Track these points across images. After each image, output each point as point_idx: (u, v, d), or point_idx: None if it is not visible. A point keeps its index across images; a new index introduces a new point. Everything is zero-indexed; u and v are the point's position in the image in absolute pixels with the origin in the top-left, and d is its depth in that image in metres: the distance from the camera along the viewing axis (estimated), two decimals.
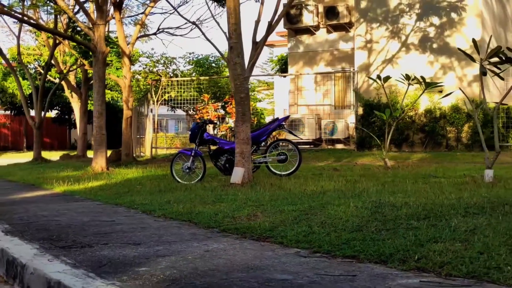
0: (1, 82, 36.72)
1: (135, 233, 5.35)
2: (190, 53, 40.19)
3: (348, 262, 3.95)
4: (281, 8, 13.12)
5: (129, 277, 3.64)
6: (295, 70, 22.82)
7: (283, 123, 11.43)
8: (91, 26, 15.67)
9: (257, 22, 13.45)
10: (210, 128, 22.78)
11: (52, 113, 43.38)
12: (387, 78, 12.31)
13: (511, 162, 13.88)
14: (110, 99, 36.92)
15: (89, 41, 15.48)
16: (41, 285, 3.83)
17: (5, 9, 14.62)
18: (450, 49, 18.18)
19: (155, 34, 23.78)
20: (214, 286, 3.36)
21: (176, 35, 22.06)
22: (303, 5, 21.68)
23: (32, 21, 18.43)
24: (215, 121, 19.39)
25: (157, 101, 23.83)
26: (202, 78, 28.28)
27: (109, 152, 20.82)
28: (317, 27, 22.14)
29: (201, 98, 24.03)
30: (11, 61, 36.25)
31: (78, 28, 20.27)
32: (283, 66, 34.02)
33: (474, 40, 9.16)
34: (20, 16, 17.01)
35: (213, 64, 39.42)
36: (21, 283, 4.19)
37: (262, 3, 14.06)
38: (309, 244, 4.49)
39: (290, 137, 14.22)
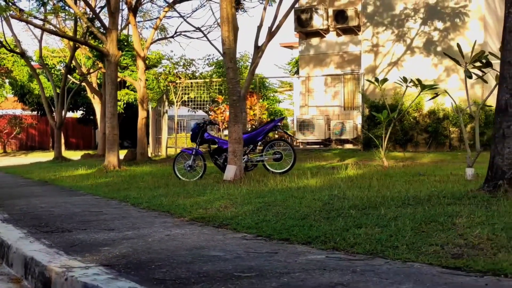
0: (27, 83, 37.76)
1: (114, 221, 6.06)
2: (209, 55, 41.01)
3: (280, 243, 4.63)
4: (281, 16, 13.76)
5: (91, 254, 4.34)
6: (306, 72, 23.47)
7: (279, 123, 12.07)
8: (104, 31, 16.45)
9: (259, 28, 14.19)
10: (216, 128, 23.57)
11: (78, 114, 44.36)
12: (384, 80, 12.87)
13: None
14: (133, 99, 37.81)
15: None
16: (20, 261, 4.56)
17: (23, 16, 15.43)
18: (454, 52, 18.52)
19: (172, 37, 24.61)
20: (155, 260, 4.05)
21: (193, 38, 22.85)
22: (314, 9, 22.32)
23: (50, 26, 19.30)
24: (216, 122, 20.07)
25: (177, 102, 24.57)
26: (220, 79, 28.98)
27: (125, 151, 21.70)
28: (327, 30, 22.76)
29: (215, 99, 24.74)
30: (37, 63, 37.51)
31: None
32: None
33: (458, 45, 9.68)
34: (39, 22, 17.85)
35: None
36: (7, 261, 4.92)
37: (264, 9, 14.79)
38: (256, 230, 5.17)
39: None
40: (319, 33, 22.92)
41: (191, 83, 25.75)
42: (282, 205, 6.26)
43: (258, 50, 14.49)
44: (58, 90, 24.09)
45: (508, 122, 6.09)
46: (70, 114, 43.13)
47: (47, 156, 29.66)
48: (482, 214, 4.88)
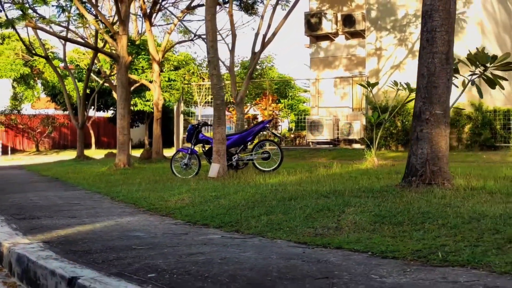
0: (58, 84, 39.27)
1: (82, 211, 7.13)
2: (238, 56, 42.13)
3: (198, 227, 5.64)
4: (275, 23, 14.74)
5: (42, 234, 5.39)
6: (316, 74, 24.39)
7: (267, 125, 13.05)
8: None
9: (257, 35, 15.25)
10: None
11: (109, 113, 45.80)
12: (375, 84, 13.76)
13: (506, 162, 14.98)
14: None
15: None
16: None
17: (39, 23, 16.66)
18: (458, 57, 19.43)
19: (191, 40, 25.72)
20: (86, 239, 5.08)
21: (220, 40, 23.86)
22: (323, 13, 23.24)
23: (65, 33, 20.53)
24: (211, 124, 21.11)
25: (201, 102, 25.67)
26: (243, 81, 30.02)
27: (140, 151, 22.87)
28: (335, 34, 23.65)
29: (230, 100, 25.79)
30: (68, 64, 39.07)
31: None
32: None
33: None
34: (58, 29, 19.10)
35: (258, 67, 41.22)
36: None
37: (262, 18, 15.84)
38: (190, 217, 6.19)
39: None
40: (328, 37, 23.83)
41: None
42: (227, 198, 7.24)
43: (254, 56, 15.54)
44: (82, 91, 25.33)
45: (421, 127, 7.01)
46: (101, 114, 44.72)
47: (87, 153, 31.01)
48: (373, 204, 5.81)
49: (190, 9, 22.20)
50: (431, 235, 4.41)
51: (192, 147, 12.89)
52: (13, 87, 41.46)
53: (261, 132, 13.56)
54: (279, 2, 19.61)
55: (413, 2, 20.46)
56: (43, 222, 6.21)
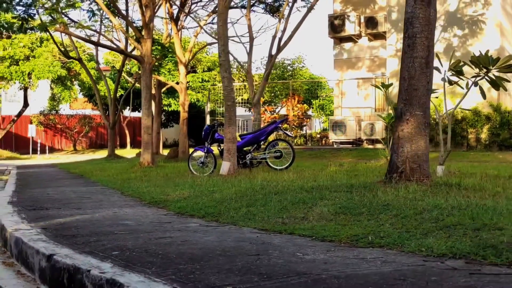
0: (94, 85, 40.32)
1: (89, 204, 7.78)
2: (262, 58, 42.77)
3: (184, 217, 6.24)
4: (285, 28, 15.27)
5: (44, 222, 6.03)
6: (340, 75, 24.86)
7: (280, 125, 13.63)
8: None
9: (274, 37, 15.81)
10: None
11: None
12: (389, 85, 14.24)
13: None
14: (195, 100, 39.96)
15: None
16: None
17: (66, 28, 17.47)
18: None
19: (240, 41, 26.40)
20: (80, 226, 5.71)
21: (239, 43, 24.47)
22: (346, 15, 23.70)
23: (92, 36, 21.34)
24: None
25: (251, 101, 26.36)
26: (275, 82, 30.64)
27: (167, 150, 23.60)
28: (359, 36, 24.10)
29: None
30: (105, 65, 40.12)
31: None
32: None
33: (437, 55, 10.89)
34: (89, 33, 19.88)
35: (289, 67, 41.83)
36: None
37: (279, 21, 16.40)
38: (180, 209, 6.79)
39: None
40: (351, 38, 24.28)
41: (245, 85, 27.50)
42: (221, 192, 7.84)
43: (271, 59, 16.11)
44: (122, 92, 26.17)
45: (402, 127, 7.52)
46: (137, 114, 45.71)
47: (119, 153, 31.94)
48: (345, 198, 6.34)
49: (216, 12, 22.83)
50: (377, 223, 4.93)
51: (208, 146, 13.50)
52: (51, 88, 42.66)
53: (275, 132, 14.08)
54: (303, 5, 20.16)
55: None
56: (50, 212, 6.86)
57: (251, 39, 17.46)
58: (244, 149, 13.48)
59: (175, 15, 21.72)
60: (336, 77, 25.33)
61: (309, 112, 41.31)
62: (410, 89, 7.50)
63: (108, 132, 26.22)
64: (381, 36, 23.66)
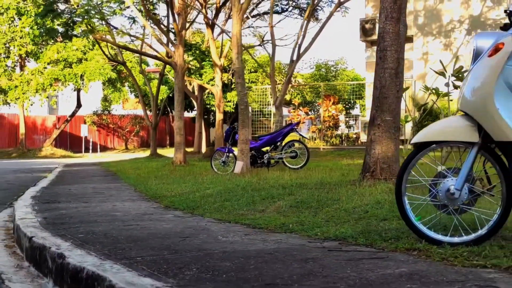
0: (143, 86, 41.76)
1: (97, 198, 8.83)
2: (310, 58, 43.52)
3: (170, 210, 7.20)
4: (304, 35, 16.11)
5: (48, 213, 7.08)
6: (372, 77, 25.55)
7: (295, 127, 14.55)
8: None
9: (296, 44, 16.65)
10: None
11: (193, 114, 48.04)
12: (406, 88, 14.96)
13: None
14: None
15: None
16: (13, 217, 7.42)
17: (102, 35, 18.69)
18: None
19: (260, 45, 27.35)
20: (76, 216, 6.73)
21: (279, 45, 25.38)
22: (376, 19, 24.39)
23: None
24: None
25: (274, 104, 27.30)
26: (317, 83, 31.49)
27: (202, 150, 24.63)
28: None
29: (292, 102, 27.29)
30: (155, 67, 41.52)
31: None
32: None
33: (441, 61, 11.58)
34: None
35: (332, 68, 42.53)
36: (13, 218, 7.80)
37: (301, 28, 17.26)
38: (170, 203, 7.75)
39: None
40: None
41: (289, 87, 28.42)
42: (213, 189, 8.79)
43: (292, 63, 17.00)
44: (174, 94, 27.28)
45: (374, 131, 8.34)
46: (187, 114, 47.01)
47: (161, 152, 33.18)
48: (309, 194, 7.22)
49: (253, 17, 23.82)
50: (313, 214, 5.81)
51: (229, 147, 14.47)
52: (103, 89, 44.39)
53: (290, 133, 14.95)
54: (339, 9, 20.97)
55: (457, 9, 21.37)
56: (59, 205, 7.91)
57: (274, 45, 18.38)
58: (262, 149, 14.42)
59: (210, 22, 22.71)
60: (368, 79, 25.99)
61: (357, 112, 41.94)
62: (381, 97, 8.31)
63: (151, 132, 27.39)
64: (409, 39, 24.24)
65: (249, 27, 29.31)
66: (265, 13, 23.44)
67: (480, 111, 3.80)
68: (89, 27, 17.42)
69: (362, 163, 8.59)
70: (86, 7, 17.40)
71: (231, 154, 14.43)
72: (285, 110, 36.23)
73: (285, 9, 24.25)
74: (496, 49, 3.79)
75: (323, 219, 5.47)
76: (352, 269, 3.38)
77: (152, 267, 3.57)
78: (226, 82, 30.52)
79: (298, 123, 15.54)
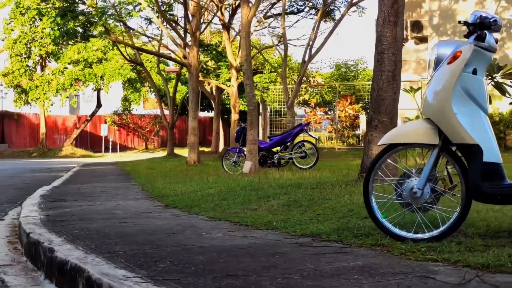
0: (163, 87, 42.24)
1: (102, 196, 9.13)
2: (330, 58, 43.66)
3: (167, 208, 7.48)
4: (316, 36, 16.30)
5: (52, 211, 7.39)
6: None
7: (305, 128, 14.80)
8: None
9: (307, 45, 16.89)
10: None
11: (212, 113, 48.45)
12: (418, 89, 15.16)
13: None
14: (262, 100, 41.30)
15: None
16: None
17: (115, 36, 19.06)
18: (509, 60, 20.34)
19: (272, 46, 27.62)
20: (78, 213, 7.03)
21: (296, 45, 25.53)
22: None
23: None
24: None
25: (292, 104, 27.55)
26: (336, 83, 31.66)
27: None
28: (405, 39, 24.86)
29: (308, 102, 27.51)
30: (174, 67, 41.92)
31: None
32: None
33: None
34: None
35: (352, 68, 42.64)
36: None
37: (313, 29, 17.47)
38: (170, 202, 8.01)
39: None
40: None
41: (306, 86, 28.67)
42: (214, 188, 9.06)
43: (304, 64, 17.23)
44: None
45: (371, 132, 8.57)
46: (207, 114, 47.49)
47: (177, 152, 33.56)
48: (304, 194, 7.47)
49: (267, 18, 24.08)
50: (301, 213, 6.06)
51: (240, 147, 14.74)
52: (123, 89, 44.89)
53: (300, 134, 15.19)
54: (355, 9, 21.18)
55: (472, 9, 21.44)
56: (64, 203, 8.22)
57: (286, 46, 18.63)
58: (273, 149, 14.67)
59: (226, 23, 23.01)
60: None
61: None
62: (379, 99, 8.52)
63: (168, 132, 27.75)
64: (425, 39, 24.37)
65: (265, 27, 29.61)
66: (280, 14, 23.65)
67: (439, 115, 4.03)
68: (104, 28, 17.74)
69: (361, 163, 8.79)
70: (102, 9, 17.76)
71: (242, 154, 14.66)
72: (302, 111, 36.47)
73: (301, 9, 24.44)
74: (454, 57, 4.03)
75: (308, 217, 5.69)
76: (312, 262, 3.62)
77: (130, 260, 3.84)
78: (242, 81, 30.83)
79: (308, 124, 15.81)
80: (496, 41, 4.32)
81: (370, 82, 28.03)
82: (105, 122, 45.19)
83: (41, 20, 36.78)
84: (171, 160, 22.87)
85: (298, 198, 7.09)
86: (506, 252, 3.60)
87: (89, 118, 43.42)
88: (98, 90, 42.60)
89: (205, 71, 25.90)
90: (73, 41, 24.76)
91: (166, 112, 47.45)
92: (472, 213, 4.65)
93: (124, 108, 48.24)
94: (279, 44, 26.18)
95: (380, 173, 4.36)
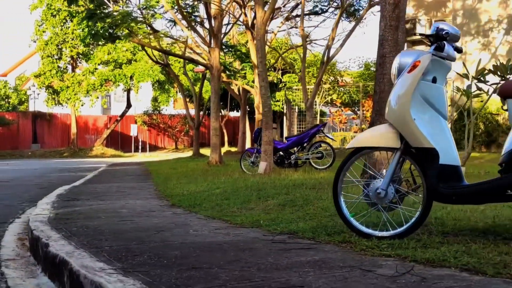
0: (190, 88, 42.75)
1: (115, 196, 9.51)
2: (359, 57, 43.77)
3: (171, 207, 7.82)
4: (334, 38, 16.49)
5: (62, 210, 7.78)
6: None
7: (322, 128, 15.06)
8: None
9: (327, 46, 17.13)
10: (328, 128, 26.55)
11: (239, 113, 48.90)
12: None
13: None
14: (292, 100, 41.56)
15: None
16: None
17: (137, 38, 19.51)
18: None
19: (292, 48, 27.89)
20: (85, 212, 7.42)
21: (321, 45, 25.70)
22: (417, 19, 24.68)
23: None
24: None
25: (320, 103, 27.85)
26: (364, 82, 31.77)
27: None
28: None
29: (334, 102, 27.71)
30: (203, 68, 42.30)
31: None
32: None
33: (463, 63, 11.96)
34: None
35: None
36: None
37: (332, 30, 17.70)
38: (177, 201, 8.33)
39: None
40: (422, 41, 25.19)
41: (334, 86, 28.91)
42: (221, 188, 9.39)
43: (323, 66, 17.49)
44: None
45: None
46: (236, 114, 47.87)
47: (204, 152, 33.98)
48: (301, 194, 7.76)
49: (289, 19, 24.38)
50: (293, 212, 6.35)
51: (258, 148, 15.05)
52: (153, 89, 45.48)
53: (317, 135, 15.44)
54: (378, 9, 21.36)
55: (496, 8, 21.52)
56: (77, 202, 8.61)
57: (305, 48, 18.91)
58: (290, 150, 14.96)
59: (249, 24, 23.33)
60: None
61: None
62: (380, 101, 8.76)
63: (194, 133, 28.17)
64: None
65: (292, 27, 29.94)
66: (305, 14, 23.90)
67: (399, 121, 4.32)
68: (127, 30, 18.18)
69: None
70: (125, 13, 18.21)
71: (259, 155, 14.95)
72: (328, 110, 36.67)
73: (325, 9, 24.66)
74: (414, 66, 4.30)
75: (297, 216, 5.98)
76: (274, 257, 3.92)
77: (112, 255, 4.18)
78: (275, 81, 31.14)
79: (324, 125, 16.03)
80: (461, 49, 4.58)
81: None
82: (135, 122, 45.83)
83: (71, 21, 37.46)
84: (196, 160, 23.26)
85: (295, 198, 7.37)
86: (455, 248, 3.86)
87: (119, 118, 44.09)
88: (128, 91, 43.26)
89: (230, 72, 26.23)
90: (102, 42, 25.33)
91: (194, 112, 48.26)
92: (443, 211, 4.93)
93: (154, 109, 48.87)
94: (308, 43, 26.46)
95: (348, 174, 4.62)
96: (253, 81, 31.57)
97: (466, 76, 12.10)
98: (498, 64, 11.90)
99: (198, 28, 20.88)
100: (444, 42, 4.34)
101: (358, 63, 42.78)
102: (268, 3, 15.86)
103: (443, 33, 4.32)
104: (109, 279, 3.41)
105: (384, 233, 4.41)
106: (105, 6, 19.80)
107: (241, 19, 24.89)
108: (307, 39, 27.67)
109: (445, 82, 4.48)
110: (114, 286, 3.24)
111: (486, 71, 11.81)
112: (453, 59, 4.42)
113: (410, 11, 25.86)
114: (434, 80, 4.38)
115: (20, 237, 6.68)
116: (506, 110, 4.27)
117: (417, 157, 4.39)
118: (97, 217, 6.69)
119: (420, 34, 4.77)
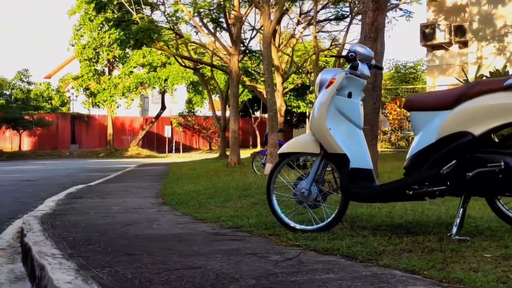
0: (224, 89, 43.54)
1: (119, 194, 10.26)
2: (390, 60, 44.02)
3: (160, 206, 8.53)
4: (344, 44, 17.04)
5: (62, 207, 8.56)
6: (432, 81, 26.18)
7: None
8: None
9: (338, 53, 17.67)
10: None
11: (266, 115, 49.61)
12: None
13: None
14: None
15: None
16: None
17: (160, 44, 20.32)
18: None
19: (313, 54, 28.45)
20: (80, 208, 8.18)
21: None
22: (436, 24, 25.04)
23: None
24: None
25: None
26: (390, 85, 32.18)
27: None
28: (449, 43, 25.32)
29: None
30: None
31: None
32: None
33: (463, 69, 12.53)
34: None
35: (412, 70, 42.98)
36: None
37: (345, 36, 18.19)
38: (170, 200, 9.06)
39: None
40: (441, 46, 25.57)
41: None
42: (215, 188, 10.08)
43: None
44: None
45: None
46: (266, 115, 48.60)
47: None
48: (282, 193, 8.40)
49: (309, 24, 24.95)
50: (259, 210, 7.00)
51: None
52: (187, 91, 46.46)
53: None
54: (403, 14, 21.89)
55: (511, 14, 21.82)
56: (79, 200, 9.30)
57: (317, 54, 19.51)
58: None
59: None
60: (429, 83, 26.62)
61: None
62: None
63: (220, 134, 28.91)
64: (465, 44, 24.74)
65: (319, 31, 30.44)
66: (324, 20, 24.48)
67: (317, 130, 4.97)
68: (148, 39, 19.00)
69: None
70: (148, 24, 19.03)
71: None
72: None
73: (346, 15, 25.17)
74: (330, 83, 4.95)
75: (257, 213, 6.61)
76: (200, 246, 4.59)
77: (70, 243, 4.89)
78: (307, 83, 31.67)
79: None
80: (381, 67, 5.22)
81: (422, 86, 28.21)
82: (171, 124, 46.84)
83: (108, 25, 38.51)
84: (220, 162, 23.98)
85: None
86: (355, 240, 4.49)
87: (154, 119, 45.15)
88: (163, 93, 44.32)
89: (251, 76, 26.93)
90: (129, 48, 26.23)
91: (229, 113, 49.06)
92: (372, 209, 5.56)
93: (188, 110, 49.87)
94: (333, 47, 27.01)
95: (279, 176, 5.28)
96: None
97: (466, 82, 12.62)
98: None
99: (218, 34, 21.53)
100: (358, 62, 4.96)
101: (388, 66, 43.11)
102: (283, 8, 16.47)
103: (349, 55, 4.94)
104: (51, 261, 4.12)
105: (308, 227, 5.05)
106: (130, 15, 20.66)
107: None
108: (333, 43, 28.29)
109: (360, 97, 5.10)
110: (52, 267, 3.93)
111: (484, 77, 12.34)
112: (366, 77, 5.06)
113: (430, 16, 26.25)
114: (349, 95, 5.01)
115: (19, 231, 7.43)
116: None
117: (335, 161, 5.02)
118: (86, 213, 7.40)
119: (338, 56, 5.39)
